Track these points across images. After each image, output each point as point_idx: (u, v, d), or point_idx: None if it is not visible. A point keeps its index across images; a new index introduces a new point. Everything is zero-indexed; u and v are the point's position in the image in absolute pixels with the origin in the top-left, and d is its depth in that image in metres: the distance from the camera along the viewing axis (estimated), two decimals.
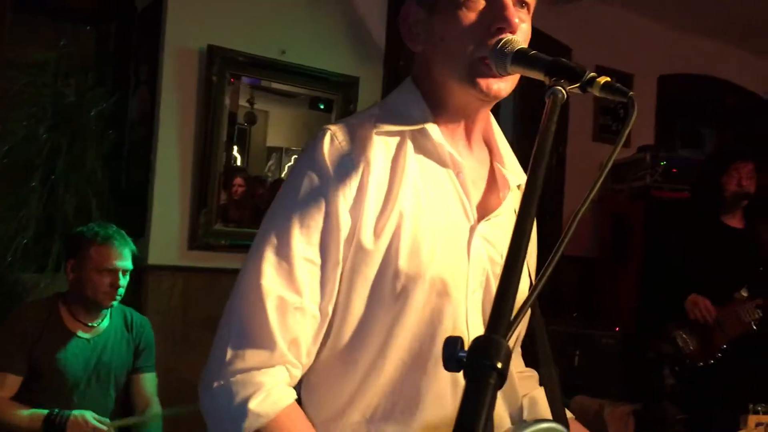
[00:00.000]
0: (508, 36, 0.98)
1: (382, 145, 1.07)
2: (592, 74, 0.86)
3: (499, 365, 0.54)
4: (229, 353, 0.99)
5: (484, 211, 1.10)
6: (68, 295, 2.40)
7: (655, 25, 4.64)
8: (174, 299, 3.18)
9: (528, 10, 1.06)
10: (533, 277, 1.19)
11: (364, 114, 1.14)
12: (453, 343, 0.57)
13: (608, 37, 4.22)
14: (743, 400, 3.10)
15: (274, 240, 1.02)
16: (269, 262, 1.01)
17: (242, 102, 3.60)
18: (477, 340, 0.57)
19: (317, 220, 1.02)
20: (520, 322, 0.61)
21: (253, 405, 0.95)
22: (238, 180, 3.56)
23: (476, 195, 1.12)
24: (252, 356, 0.98)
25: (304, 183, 1.04)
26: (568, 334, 3.39)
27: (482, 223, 1.09)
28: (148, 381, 2.51)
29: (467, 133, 1.14)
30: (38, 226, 3.06)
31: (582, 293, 4.03)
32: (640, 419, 3.11)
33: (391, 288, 1.02)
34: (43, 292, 2.82)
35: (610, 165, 0.83)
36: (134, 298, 2.64)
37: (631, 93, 0.85)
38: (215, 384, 0.99)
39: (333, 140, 1.05)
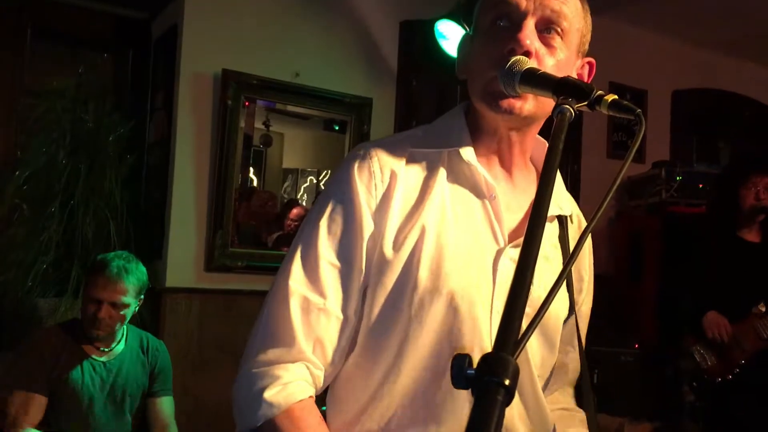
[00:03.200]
0: (518, 57, 0.99)
1: (415, 163, 1.11)
2: (600, 92, 0.88)
3: (507, 382, 0.55)
4: (255, 347, 1.05)
5: (518, 236, 1.10)
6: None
7: (667, 41, 4.64)
8: (190, 321, 3.20)
9: (561, 36, 1.06)
10: (579, 310, 1.21)
11: (406, 133, 1.19)
12: (461, 361, 0.58)
13: (621, 53, 4.23)
14: (763, 415, 3.08)
15: (304, 244, 1.08)
16: (297, 264, 1.06)
17: (258, 124, 3.66)
18: (485, 358, 0.58)
19: (343, 227, 1.07)
20: (529, 338, 0.62)
21: (267, 395, 0.99)
22: (295, 212, 3.63)
23: (511, 220, 1.12)
24: (272, 351, 1.03)
25: (335, 194, 1.09)
26: (587, 352, 3.36)
27: (512, 247, 1.09)
28: (165, 404, 2.53)
29: (506, 158, 1.15)
30: (57, 250, 3.11)
31: (600, 310, 3.99)
32: None
33: (409, 300, 1.04)
34: (63, 317, 2.85)
35: (619, 180, 0.83)
36: (152, 320, 2.67)
37: (639, 110, 0.86)
38: (240, 374, 1.05)
39: (366, 154, 1.10)
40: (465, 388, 0.57)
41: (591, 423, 1.17)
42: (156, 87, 3.61)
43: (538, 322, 0.64)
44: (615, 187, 0.83)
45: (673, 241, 3.68)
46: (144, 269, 2.43)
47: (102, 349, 2.41)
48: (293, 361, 1.03)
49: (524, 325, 0.63)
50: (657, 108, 4.55)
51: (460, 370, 0.58)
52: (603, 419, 3.17)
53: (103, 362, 2.40)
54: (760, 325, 3.10)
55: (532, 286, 0.70)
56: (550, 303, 0.66)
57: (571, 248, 1.18)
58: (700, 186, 3.88)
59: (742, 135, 5.17)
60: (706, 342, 3.17)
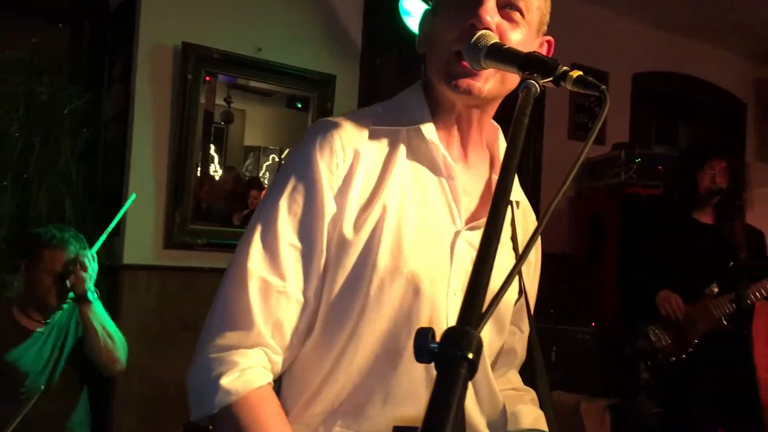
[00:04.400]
0: (483, 32, 0.98)
1: (376, 141, 1.09)
2: (565, 68, 0.87)
3: (470, 355, 0.55)
4: (212, 331, 1.02)
5: (474, 220, 1.11)
6: (23, 295, 2.43)
7: (629, 23, 4.69)
8: (150, 299, 3.15)
9: (522, 13, 1.06)
10: (528, 291, 1.21)
11: (366, 110, 1.17)
12: (424, 334, 0.57)
13: (584, 34, 4.26)
14: (717, 393, 3.17)
15: (263, 225, 1.05)
16: (256, 245, 1.03)
17: (219, 101, 3.60)
18: (448, 331, 0.57)
19: (304, 206, 1.04)
20: (491, 315, 0.61)
21: (224, 382, 0.97)
22: (254, 193, 3.57)
23: (468, 202, 1.12)
24: (231, 335, 1.01)
25: (295, 172, 1.07)
26: (546, 331, 3.41)
27: (468, 230, 1.09)
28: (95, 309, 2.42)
29: (463, 140, 1.14)
30: (11, 225, 3.03)
31: (559, 290, 4.06)
32: (615, 413, 3.14)
33: (368, 280, 1.02)
34: (16, 292, 2.79)
35: (582, 158, 0.84)
36: (109, 297, 2.62)
37: (603, 87, 0.86)
38: (196, 359, 1.02)
39: (328, 132, 1.08)
40: (428, 361, 0.56)
41: (545, 401, 1.18)
42: (113, 60, 3.52)
43: (499, 301, 0.64)
44: (574, 171, 0.83)
45: (632, 222, 3.74)
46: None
47: (44, 321, 2.42)
48: (251, 346, 1.01)
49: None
50: (618, 90, 4.60)
51: (423, 343, 0.57)
52: (560, 396, 3.23)
53: (41, 332, 2.41)
54: (713, 306, 3.18)
55: None
56: (509, 286, 0.66)
57: (519, 233, 1.19)
58: (659, 168, 3.95)
59: (701, 119, 5.27)
60: (662, 322, 3.24)
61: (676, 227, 3.38)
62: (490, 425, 1.14)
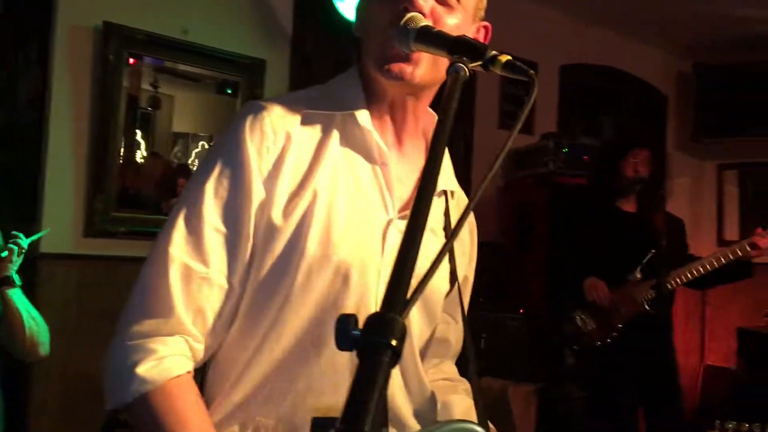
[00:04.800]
0: (413, 14, 0.97)
1: (309, 125, 1.07)
2: (494, 52, 0.87)
3: (394, 342, 0.53)
4: (129, 318, 0.99)
5: (407, 208, 1.09)
6: None
7: (558, 16, 4.77)
8: (69, 289, 3.02)
9: (450, 4, 1.05)
10: (463, 280, 1.20)
11: (300, 93, 1.14)
12: (346, 321, 0.55)
13: (513, 25, 4.30)
14: (638, 377, 3.28)
15: (187, 209, 1.01)
16: (179, 230, 1.00)
17: (145, 85, 3.47)
18: (371, 318, 0.55)
19: (231, 190, 1.01)
20: (416, 301, 0.60)
21: (140, 370, 0.94)
22: (182, 181, 3.47)
23: (401, 191, 1.11)
24: (149, 322, 0.97)
25: (223, 154, 1.03)
26: (475, 318, 3.45)
27: (400, 219, 1.08)
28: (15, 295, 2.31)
29: (397, 128, 1.13)
30: None
31: (489, 278, 4.12)
32: (542, 398, 3.21)
33: (295, 267, 1.00)
34: None
35: (510, 143, 0.83)
36: (26, 288, 2.50)
37: (532, 72, 0.86)
38: (112, 345, 0.98)
39: (257, 113, 1.04)
40: (350, 349, 0.54)
41: (474, 390, 1.19)
42: (29, 39, 3.34)
43: (423, 288, 0.62)
44: (500, 158, 0.83)
45: (559, 210, 3.82)
46: None
47: None
48: (171, 334, 0.97)
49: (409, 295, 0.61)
50: (546, 81, 4.68)
51: (344, 330, 0.55)
52: (487, 382, 3.27)
53: None
54: (635, 291, 3.28)
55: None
56: (434, 272, 0.65)
57: (452, 221, 1.18)
58: (585, 158, 4.04)
59: (625, 110, 5.42)
60: (587, 307, 3.32)
61: (600, 216, 3.47)
62: (417, 414, 1.14)
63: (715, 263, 3.22)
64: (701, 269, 3.23)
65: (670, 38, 5.31)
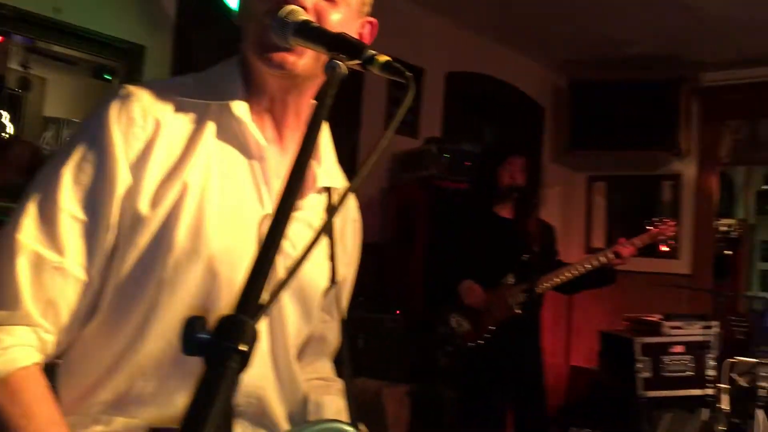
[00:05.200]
0: (293, 7, 0.95)
1: (182, 114, 1.02)
2: (373, 52, 0.87)
3: (242, 348, 0.50)
4: None
5: None
6: None
7: (446, 24, 4.87)
8: None
9: (336, 1, 1.04)
10: (343, 279, 1.19)
11: (174, 80, 1.10)
12: (192, 324, 0.52)
13: (402, 30, 4.35)
14: (508, 377, 3.39)
15: (40, 194, 0.94)
16: (30, 216, 0.93)
17: (14, 65, 3.25)
18: (221, 321, 0.52)
19: (93, 176, 0.95)
20: (271, 304, 0.58)
21: None
22: None
23: (278, 185, 1.07)
24: None
25: (86, 138, 0.97)
26: (354, 318, 3.46)
27: None
28: None
29: (278, 122, 1.10)
30: None
31: (370, 278, 4.14)
32: (415, 399, 3.25)
33: (162, 262, 0.96)
34: None
35: (385, 142, 0.84)
36: None
37: (410, 74, 0.86)
38: None
39: (125, 98, 0.99)
40: (196, 354, 0.51)
41: (348, 391, 1.18)
42: None
43: (283, 287, 0.61)
44: (375, 156, 0.83)
45: (439, 214, 3.90)
46: None
47: None
48: (17, 325, 0.91)
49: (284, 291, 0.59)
50: (432, 87, 4.77)
51: (190, 333, 0.52)
52: (363, 383, 3.29)
53: None
54: (508, 295, 3.39)
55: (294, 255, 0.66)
56: (299, 267, 0.63)
57: (338, 221, 1.17)
58: (466, 164, 4.14)
59: (505, 119, 5.61)
60: (462, 309, 3.40)
61: (478, 220, 3.56)
62: (289, 415, 1.12)
63: (581, 269, 3.39)
64: (569, 275, 3.39)
65: (549, 54, 5.56)
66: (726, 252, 7.14)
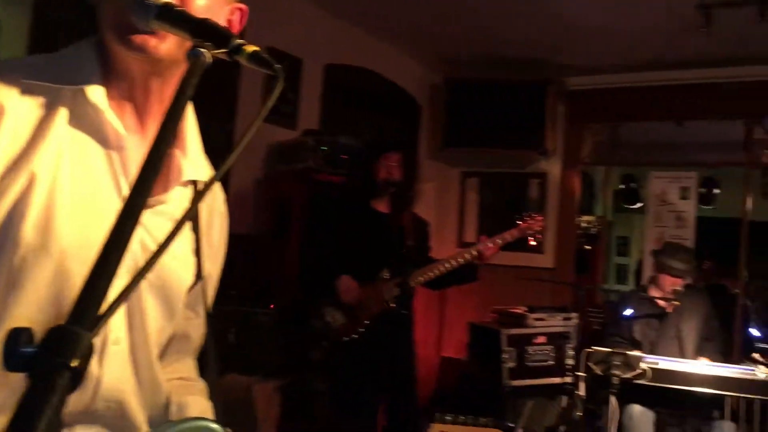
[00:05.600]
0: None
1: (30, 98, 0.93)
2: (241, 41, 0.83)
3: (74, 363, 0.46)
4: None
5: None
6: None
7: (326, 16, 4.84)
8: None
9: None
10: (208, 274, 1.14)
11: (22, 60, 1.01)
12: (16, 337, 0.47)
13: (281, 20, 4.28)
14: (381, 370, 3.43)
15: None
16: None
17: None
18: (51, 333, 0.47)
19: None
20: (113, 313, 0.53)
21: None
22: None
23: None
24: None
25: None
26: (227, 313, 3.37)
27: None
28: None
29: (139, 110, 1.02)
30: None
31: (243, 271, 4.05)
32: (285, 394, 3.22)
33: (8, 258, 0.88)
34: None
35: (250, 135, 0.81)
36: None
37: (278, 66, 0.83)
38: None
39: None
40: (20, 370, 0.46)
41: (213, 390, 1.14)
42: None
43: (135, 286, 0.56)
44: (242, 145, 0.80)
45: (316, 207, 3.87)
46: None
47: None
48: None
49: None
50: (311, 78, 4.73)
51: (13, 347, 0.46)
52: (233, 379, 3.21)
53: None
54: (384, 289, 3.42)
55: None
56: (155, 262, 0.59)
57: (204, 214, 1.12)
58: (344, 157, 4.13)
59: (384, 114, 5.66)
60: (337, 303, 3.40)
61: (355, 214, 3.57)
62: (151, 419, 1.06)
63: (449, 266, 3.48)
64: (437, 271, 3.47)
65: (427, 51, 5.66)
66: (586, 247, 7.60)
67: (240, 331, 3.35)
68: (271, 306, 3.49)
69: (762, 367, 4.15)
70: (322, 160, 4.04)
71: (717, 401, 4.32)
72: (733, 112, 5.38)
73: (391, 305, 3.39)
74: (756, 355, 5.05)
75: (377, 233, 3.51)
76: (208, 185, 0.74)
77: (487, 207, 6.31)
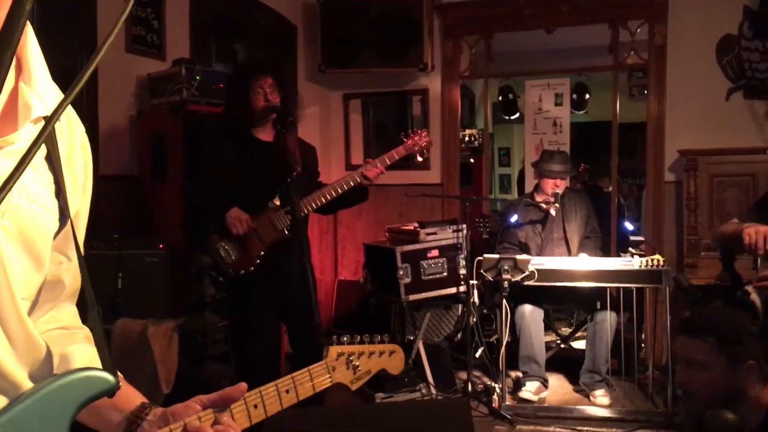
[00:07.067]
0: None
1: None
2: None
3: None
4: None
5: None
6: None
7: None
8: None
9: None
10: (77, 213, 1.05)
11: None
12: None
13: None
14: (279, 298, 3.41)
15: None
16: None
17: None
18: None
19: None
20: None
21: None
22: None
23: None
24: None
25: None
26: (110, 257, 3.21)
27: None
28: None
29: None
30: None
31: (124, 212, 3.87)
32: (182, 332, 3.15)
33: None
34: None
35: (93, 64, 0.73)
36: None
37: None
38: None
39: None
40: None
41: (97, 336, 1.07)
42: None
43: None
44: (87, 73, 0.72)
45: (194, 140, 3.71)
46: None
47: None
48: None
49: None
50: (177, 7, 4.44)
51: None
52: (126, 323, 3.11)
53: None
54: (275, 218, 3.37)
55: (11, 197, 0.54)
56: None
57: (64, 151, 1.02)
58: (219, 86, 3.96)
59: (257, 39, 5.45)
60: (229, 237, 3.32)
61: (237, 145, 3.46)
62: (32, 376, 0.99)
63: (338, 191, 3.46)
64: (327, 197, 3.45)
65: None
66: (470, 161, 7.79)
67: (128, 275, 3.22)
68: (161, 246, 3.36)
69: (637, 258, 4.48)
70: (196, 90, 3.86)
71: (599, 294, 4.64)
72: (599, 17, 5.56)
73: (285, 233, 3.35)
74: (631, 249, 5.43)
75: (262, 162, 3.42)
76: (50, 119, 0.67)
77: (371, 128, 6.30)
